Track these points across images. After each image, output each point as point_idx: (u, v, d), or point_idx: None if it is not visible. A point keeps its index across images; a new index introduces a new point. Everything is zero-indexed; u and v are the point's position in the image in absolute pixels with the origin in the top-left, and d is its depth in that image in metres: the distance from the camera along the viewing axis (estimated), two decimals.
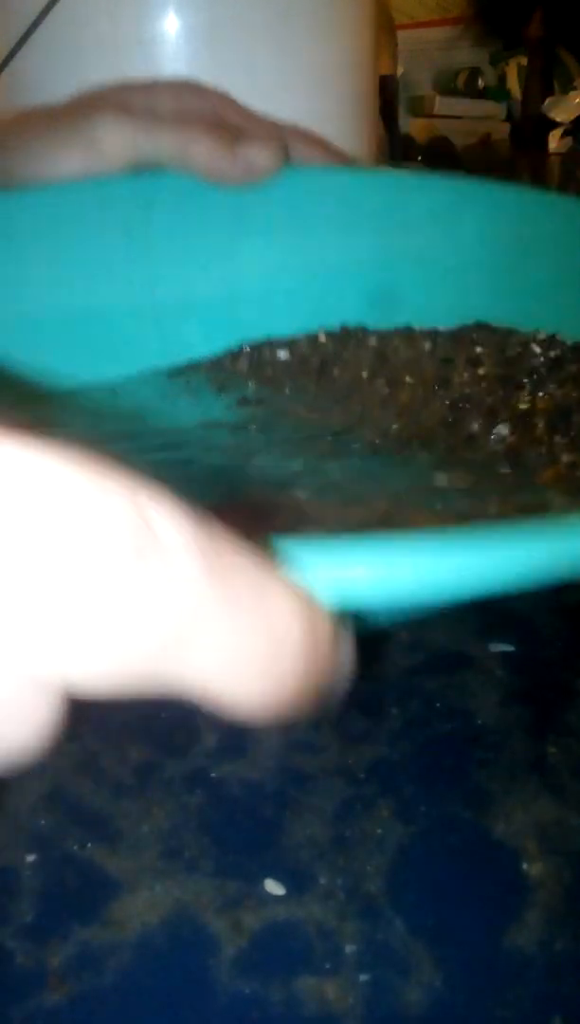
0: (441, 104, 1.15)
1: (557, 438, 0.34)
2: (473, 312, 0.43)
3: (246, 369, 0.43)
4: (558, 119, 1.07)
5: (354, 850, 0.23)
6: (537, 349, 0.40)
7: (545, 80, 1.10)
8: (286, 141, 0.42)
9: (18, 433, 0.11)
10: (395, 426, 0.37)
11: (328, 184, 0.45)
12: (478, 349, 0.41)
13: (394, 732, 0.27)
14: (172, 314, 0.44)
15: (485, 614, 0.31)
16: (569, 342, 0.40)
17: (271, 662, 0.12)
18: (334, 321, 0.45)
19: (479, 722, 0.27)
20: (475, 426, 0.36)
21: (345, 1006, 0.20)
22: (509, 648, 0.30)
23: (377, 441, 0.36)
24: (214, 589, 0.12)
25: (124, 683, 0.12)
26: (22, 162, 0.40)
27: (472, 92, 1.18)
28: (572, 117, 1.07)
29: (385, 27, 0.96)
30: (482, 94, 1.18)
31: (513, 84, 1.18)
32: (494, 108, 1.17)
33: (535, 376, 0.38)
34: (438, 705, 0.28)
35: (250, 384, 0.42)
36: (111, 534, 0.11)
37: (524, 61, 1.14)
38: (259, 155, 0.40)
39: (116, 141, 0.39)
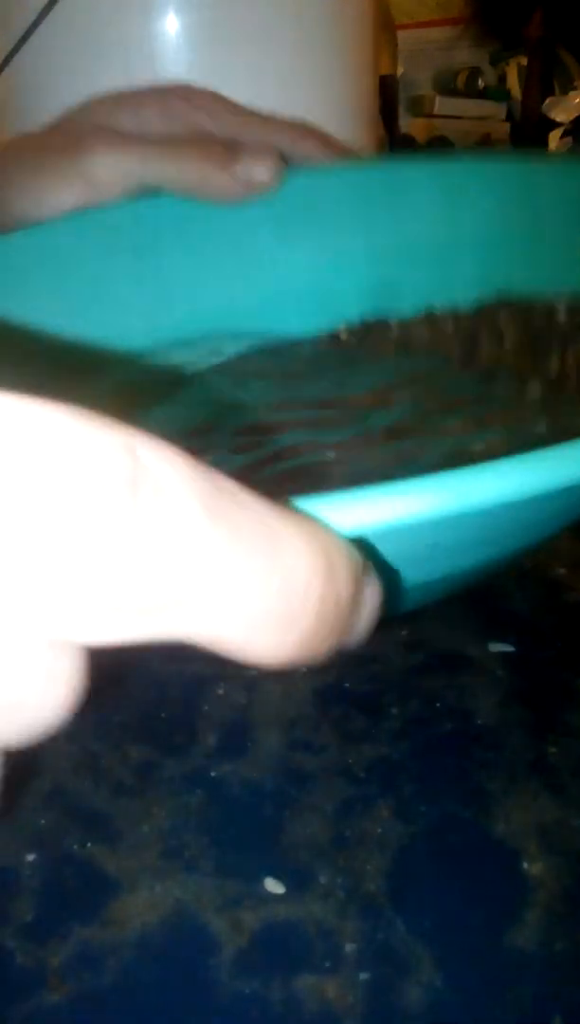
0: (441, 104, 1.15)
1: None
2: (492, 288, 0.42)
3: (266, 366, 0.43)
4: (558, 119, 1.07)
5: (354, 850, 0.23)
6: (562, 316, 0.39)
7: (545, 80, 1.10)
8: (284, 140, 0.42)
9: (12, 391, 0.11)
10: (425, 402, 0.36)
11: (332, 180, 0.45)
12: (501, 324, 0.40)
13: (394, 732, 0.27)
14: (186, 328, 0.44)
15: (485, 614, 0.31)
16: None
17: (285, 604, 0.12)
18: (353, 315, 0.44)
19: (479, 722, 0.27)
20: (506, 391, 0.35)
21: (345, 1005, 0.20)
22: (509, 648, 0.30)
23: (408, 418, 0.35)
24: (218, 528, 0.11)
25: (135, 630, 0.11)
26: (17, 202, 0.40)
27: (472, 92, 1.18)
28: (572, 117, 1.07)
29: (385, 27, 0.96)
30: (482, 94, 1.18)
31: (513, 84, 1.18)
32: (494, 108, 1.17)
33: (562, 338, 0.37)
34: (438, 705, 0.28)
35: (268, 378, 0.42)
36: (104, 475, 0.11)
37: (524, 61, 1.14)
38: (256, 171, 0.40)
39: (110, 174, 0.39)
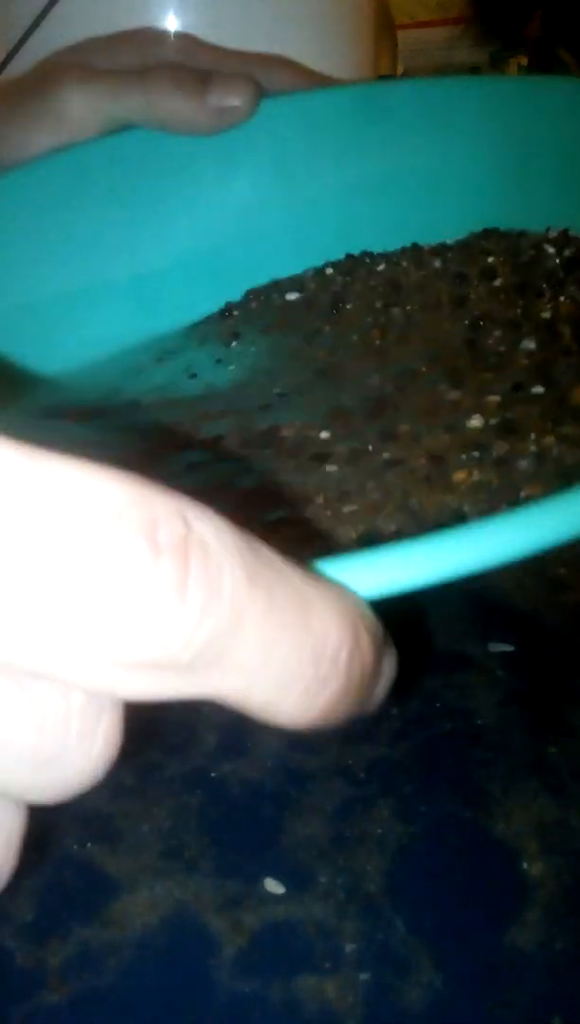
0: None
1: None
2: (479, 219, 0.41)
3: (257, 317, 0.42)
4: None
5: (354, 850, 0.23)
6: (551, 249, 0.38)
7: None
8: (260, 72, 0.40)
9: (73, 452, 0.11)
10: (417, 357, 0.35)
11: (307, 108, 0.43)
12: (490, 259, 0.39)
13: (394, 732, 0.27)
14: (173, 273, 0.43)
15: (485, 614, 0.31)
16: None
17: (314, 670, 0.12)
18: (338, 251, 0.42)
19: (479, 722, 0.27)
20: (499, 344, 0.34)
21: (345, 1005, 0.20)
22: (509, 648, 0.30)
23: (403, 384, 0.34)
24: (257, 593, 0.12)
25: (173, 688, 0.12)
26: None
27: None
28: None
29: (385, 27, 0.96)
30: None
31: None
32: None
33: (553, 280, 0.37)
34: (438, 705, 0.28)
35: (263, 331, 0.41)
36: (157, 540, 0.11)
37: (524, 61, 1.14)
38: (230, 97, 0.39)
39: (82, 110, 0.38)
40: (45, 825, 0.24)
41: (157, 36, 0.41)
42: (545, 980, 0.20)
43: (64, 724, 0.12)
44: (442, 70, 1.18)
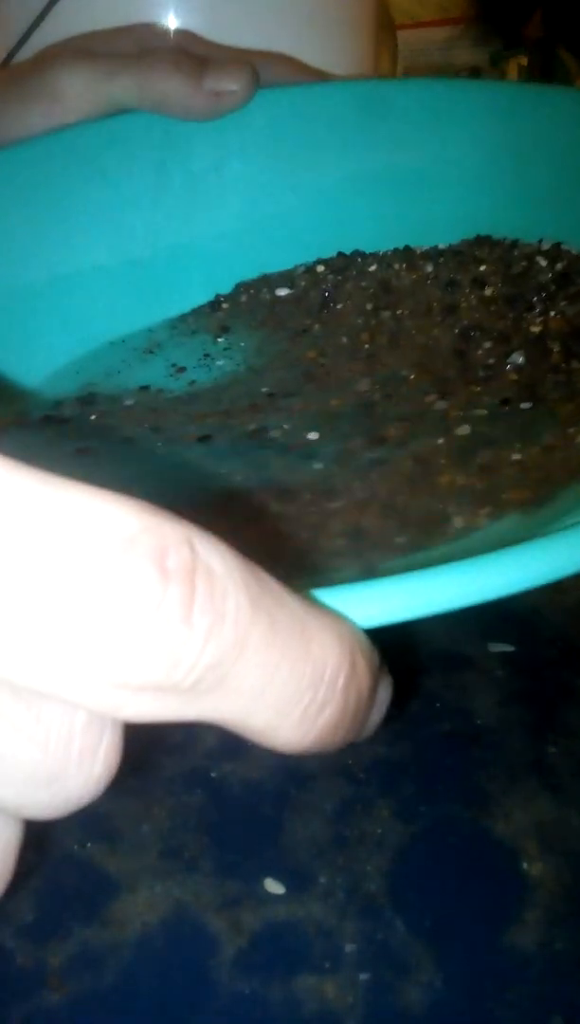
0: None
1: (574, 363, 0.33)
2: (473, 224, 0.40)
3: (247, 312, 0.41)
4: None
5: (354, 850, 0.23)
6: (543, 262, 0.38)
7: (545, 80, 1.10)
8: (258, 65, 0.40)
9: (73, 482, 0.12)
10: (407, 365, 0.35)
11: (306, 102, 0.42)
12: (482, 268, 0.39)
13: (394, 732, 0.27)
14: (163, 262, 0.42)
15: (485, 614, 0.31)
16: (575, 251, 0.38)
17: (311, 694, 0.13)
18: (330, 249, 0.42)
19: (479, 722, 0.27)
20: (488, 356, 0.34)
21: (345, 1005, 0.20)
22: (509, 648, 0.30)
23: (391, 391, 0.34)
24: (259, 619, 0.12)
25: (173, 710, 0.12)
26: None
27: None
28: None
29: (385, 27, 0.96)
30: None
31: None
32: None
33: (544, 294, 0.37)
34: (438, 705, 0.28)
35: (252, 326, 0.40)
36: (163, 562, 0.11)
37: (524, 61, 1.14)
38: (226, 81, 0.38)
39: (77, 88, 0.37)
40: (45, 825, 0.24)
41: (155, 29, 0.41)
42: (545, 980, 0.20)
43: (66, 743, 0.12)
44: (442, 70, 1.18)
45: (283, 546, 0.26)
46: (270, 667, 0.12)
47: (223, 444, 0.32)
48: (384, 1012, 0.20)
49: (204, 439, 0.33)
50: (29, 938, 0.22)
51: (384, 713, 0.15)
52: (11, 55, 0.46)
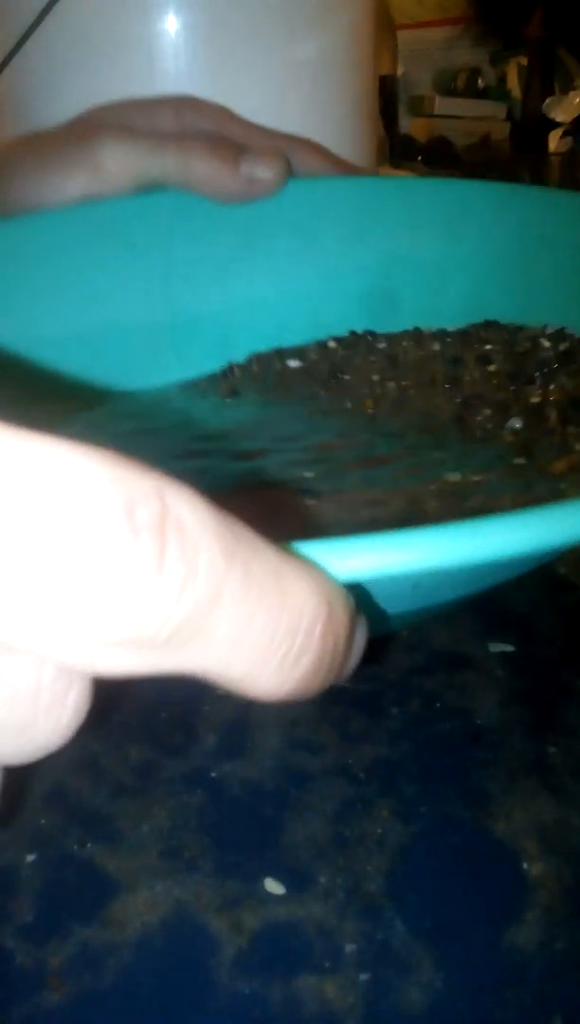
0: (441, 104, 1.15)
1: (570, 428, 0.34)
2: (481, 311, 0.43)
3: (257, 379, 0.43)
4: (558, 119, 1.07)
5: (354, 850, 0.23)
6: (546, 343, 0.40)
7: (545, 80, 1.10)
8: (288, 152, 0.42)
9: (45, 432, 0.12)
10: (407, 427, 0.37)
11: (331, 193, 0.45)
12: (487, 347, 0.41)
13: (394, 732, 0.27)
14: (182, 329, 0.44)
15: (485, 614, 0.31)
16: (578, 335, 0.40)
17: (288, 643, 0.13)
18: (342, 328, 0.45)
19: (479, 722, 0.27)
20: (487, 422, 0.36)
21: (345, 1005, 0.20)
22: (509, 648, 0.30)
23: (390, 442, 0.35)
24: (234, 570, 0.12)
25: (149, 662, 0.12)
26: (24, 189, 0.40)
27: (472, 92, 1.18)
28: (572, 117, 1.07)
29: (385, 27, 0.96)
30: (482, 94, 1.18)
31: (513, 84, 1.18)
32: (494, 108, 1.17)
33: (546, 370, 0.38)
34: (438, 705, 0.28)
35: (261, 392, 0.42)
36: (132, 515, 0.11)
37: (524, 61, 1.14)
38: (262, 170, 0.40)
39: (119, 163, 0.39)
40: (45, 825, 0.24)
41: (193, 103, 0.43)
42: (545, 980, 0.20)
43: (34, 697, 0.12)
44: (442, 70, 1.19)
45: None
46: (246, 617, 0.12)
47: (218, 476, 0.34)
48: (384, 1012, 0.20)
49: (200, 470, 0.34)
50: (29, 938, 0.22)
51: (360, 657, 0.15)
52: (11, 55, 0.46)
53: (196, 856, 0.23)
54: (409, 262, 0.45)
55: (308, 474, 0.33)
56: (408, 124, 1.15)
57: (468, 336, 0.42)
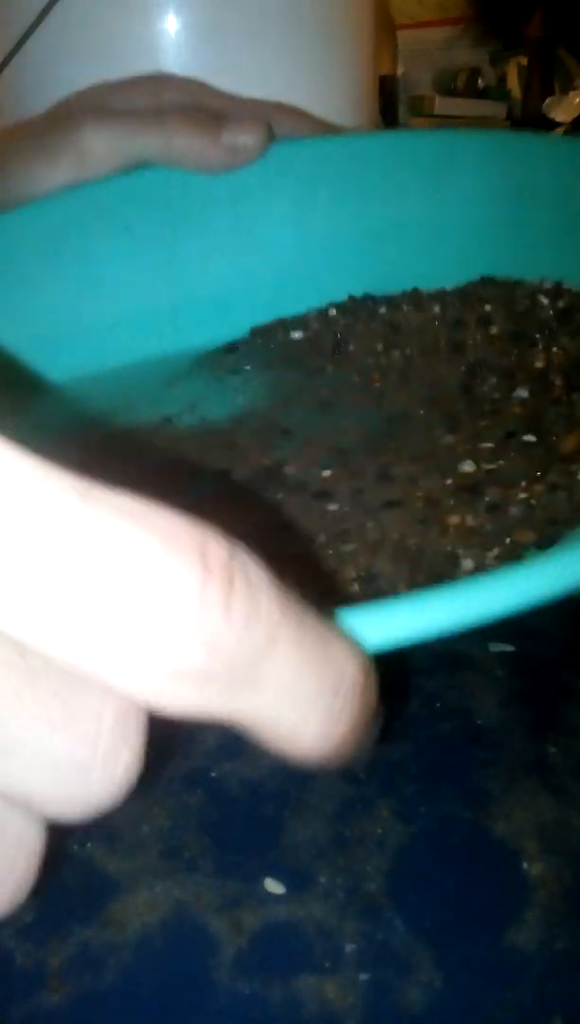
0: (441, 104, 1.15)
1: (575, 395, 0.34)
2: (478, 266, 0.42)
3: (261, 353, 0.43)
4: (558, 119, 1.07)
5: (354, 850, 0.23)
6: (545, 300, 0.40)
7: (545, 80, 1.10)
8: (270, 118, 0.42)
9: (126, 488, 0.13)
10: (416, 402, 0.37)
11: (316, 154, 0.44)
12: (487, 307, 0.41)
13: (394, 732, 0.27)
14: (182, 306, 0.44)
15: None
16: (575, 288, 0.39)
17: (331, 703, 0.14)
18: (341, 293, 0.44)
19: (479, 722, 0.27)
20: (494, 391, 0.36)
21: (345, 1005, 0.20)
22: (509, 648, 0.30)
23: (401, 426, 0.35)
24: (288, 620, 0.13)
25: (207, 701, 0.13)
26: (10, 181, 0.40)
27: (472, 92, 1.18)
28: (572, 117, 1.07)
29: (385, 27, 0.96)
30: (482, 94, 1.18)
31: (513, 84, 1.18)
32: (494, 108, 1.17)
33: (546, 331, 0.38)
34: (438, 705, 0.28)
35: (267, 367, 0.42)
36: (206, 555, 0.12)
37: (524, 61, 1.14)
38: (244, 137, 0.40)
39: (102, 146, 0.39)
40: (45, 825, 0.24)
41: (169, 81, 0.43)
42: (545, 980, 0.20)
43: (94, 741, 0.13)
44: (442, 70, 1.18)
45: (301, 589, 0.27)
46: (296, 668, 0.13)
47: (240, 478, 0.34)
48: (384, 1012, 0.20)
49: (222, 473, 0.34)
50: (29, 938, 0.22)
51: (378, 733, 0.16)
52: (11, 55, 0.46)
53: (196, 856, 0.23)
54: (401, 219, 0.44)
55: (325, 473, 0.33)
56: (408, 124, 1.15)
57: (467, 295, 0.42)
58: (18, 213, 0.41)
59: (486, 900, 0.22)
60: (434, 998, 0.20)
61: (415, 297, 0.43)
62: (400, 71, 1.09)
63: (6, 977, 0.21)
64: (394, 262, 0.44)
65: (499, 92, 1.18)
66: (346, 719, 0.14)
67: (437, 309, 0.42)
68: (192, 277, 0.44)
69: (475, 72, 1.18)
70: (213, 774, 0.26)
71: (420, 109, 1.16)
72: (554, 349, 0.37)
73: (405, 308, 0.43)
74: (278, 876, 0.23)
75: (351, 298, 0.44)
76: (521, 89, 1.14)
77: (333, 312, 0.44)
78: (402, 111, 1.13)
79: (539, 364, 0.37)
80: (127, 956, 0.21)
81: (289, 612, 0.13)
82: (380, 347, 0.41)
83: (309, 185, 0.44)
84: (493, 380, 0.37)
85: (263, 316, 0.44)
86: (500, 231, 0.43)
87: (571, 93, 1.09)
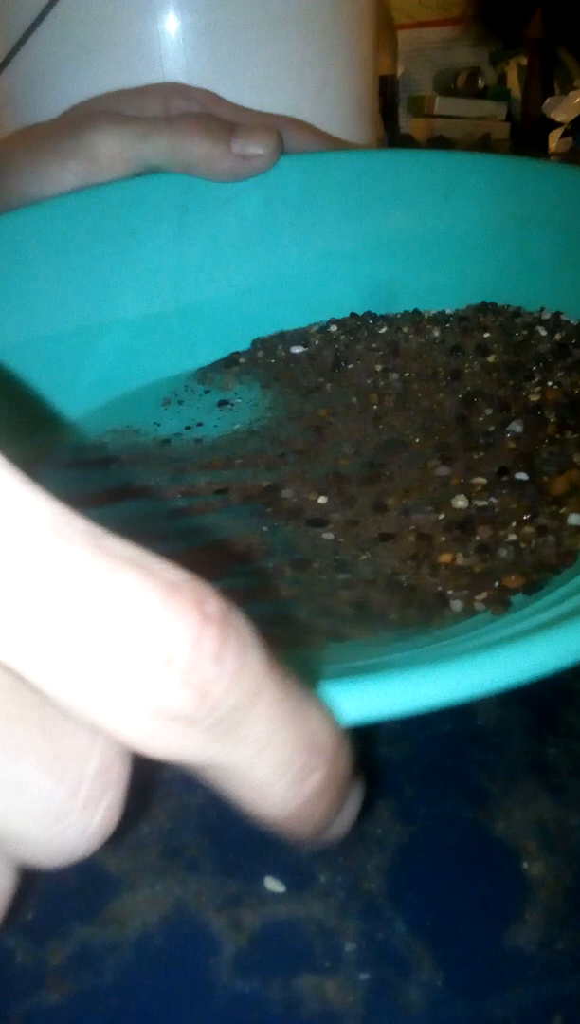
0: (441, 104, 1.15)
1: (568, 434, 0.35)
2: (479, 291, 0.43)
3: (261, 367, 0.43)
4: (558, 119, 1.07)
5: (354, 850, 0.23)
6: (543, 331, 0.40)
7: (545, 80, 1.10)
8: (281, 130, 0.42)
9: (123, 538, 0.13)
10: (411, 428, 0.37)
11: (326, 170, 0.45)
12: (486, 335, 0.41)
13: (394, 732, 0.27)
14: (183, 317, 0.44)
15: None
16: (573, 321, 0.40)
17: (306, 759, 0.14)
18: (343, 309, 0.45)
19: (479, 722, 0.27)
20: (489, 424, 0.36)
21: (345, 1005, 0.20)
22: None
23: (397, 454, 0.36)
24: (272, 685, 0.13)
25: (190, 746, 0.13)
26: (21, 182, 0.40)
27: (472, 92, 1.18)
28: (572, 117, 1.07)
29: (385, 27, 0.96)
30: (482, 94, 1.18)
31: (513, 84, 1.18)
32: (494, 108, 1.17)
33: (542, 364, 0.39)
34: None
35: (266, 382, 0.42)
36: (203, 605, 0.13)
37: (524, 61, 1.14)
38: (255, 146, 0.40)
39: (113, 149, 0.39)
40: None
41: (180, 89, 0.43)
42: (545, 980, 0.20)
43: (76, 786, 0.13)
44: (442, 70, 1.18)
45: (295, 611, 0.28)
46: (276, 723, 0.14)
47: (238, 499, 0.34)
48: (384, 1012, 0.20)
49: (220, 492, 0.35)
50: (29, 937, 0.22)
51: (353, 820, 0.17)
52: (11, 55, 0.46)
53: (196, 855, 0.23)
54: (406, 240, 0.44)
55: (321, 499, 0.33)
56: (408, 124, 1.16)
57: (467, 321, 0.42)
58: (24, 213, 0.41)
59: (486, 900, 0.22)
60: (434, 997, 0.20)
61: (415, 318, 0.44)
62: (400, 71, 1.09)
63: (6, 976, 0.21)
64: (396, 282, 0.44)
65: (499, 92, 1.18)
66: (316, 782, 0.15)
67: (437, 333, 0.42)
68: (194, 286, 0.44)
69: (475, 72, 1.18)
70: None
71: (420, 109, 1.16)
72: (550, 384, 0.38)
73: (405, 329, 0.43)
74: (278, 875, 0.23)
75: (353, 315, 0.44)
76: (521, 89, 1.14)
77: (334, 328, 0.44)
78: (402, 111, 1.13)
79: (534, 398, 0.37)
80: (127, 955, 0.21)
81: (273, 672, 0.14)
82: (379, 368, 0.41)
83: (314, 200, 0.45)
84: (489, 411, 0.37)
85: (265, 328, 0.45)
86: (502, 257, 0.43)
87: (571, 93, 1.09)
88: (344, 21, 0.50)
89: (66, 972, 0.21)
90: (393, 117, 1.04)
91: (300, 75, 0.48)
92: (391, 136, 1.02)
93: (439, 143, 1.09)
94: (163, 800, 0.25)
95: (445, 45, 1.19)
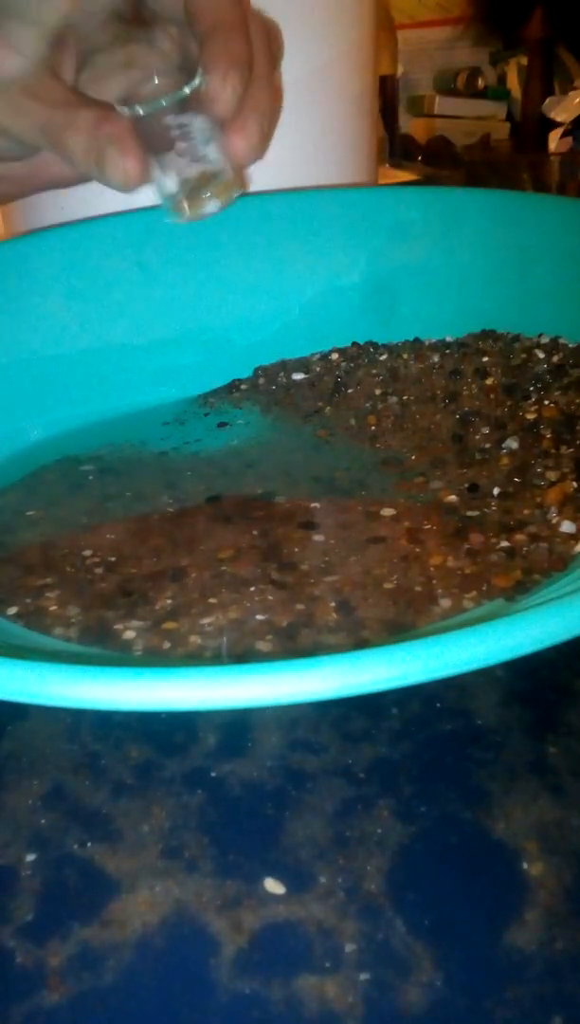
0: (441, 104, 1.15)
1: (563, 448, 0.36)
2: (479, 320, 0.44)
3: (262, 392, 0.44)
4: (558, 119, 1.07)
5: (354, 850, 0.23)
6: (541, 355, 0.41)
7: (545, 80, 1.10)
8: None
9: None
10: (408, 447, 0.38)
11: (331, 205, 0.46)
12: (485, 359, 0.42)
13: (394, 732, 0.27)
14: (188, 343, 0.46)
15: None
16: (571, 344, 0.41)
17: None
18: (345, 339, 0.46)
19: (479, 722, 0.27)
20: (485, 442, 0.37)
21: (345, 1005, 0.20)
22: None
23: (392, 467, 0.37)
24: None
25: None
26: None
27: (472, 92, 1.18)
28: (572, 117, 1.07)
29: (385, 27, 0.96)
30: (482, 94, 1.18)
31: (513, 84, 1.18)
32: (494, 108, 1.17)
33: (540, 384, 0.40)
34: (438, 705, 0.28)
35: (266, 406, 0.43)
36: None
37: (524, 61, 1.14)
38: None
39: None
40: (45, 825, 0.24)
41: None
42: (545, 980, 0.20)
43: (101, 146, 0.20)
44: (442, 70, 1.18)
45: (281, 612, 0.29)
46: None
47: (229, 505, 0.35)
48: (384, 1012, 0.20)
49: (213, 499, 0.35)
50: (29, 938, 0.22)
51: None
52: None
53: (196, 856, 0.23)
54: (407, 272, 0.46)
55: (314, 505, 0.34)
56: (408, 124, 1.16)
57: (467, 347, 0.43)
58: (29, 239, 0.42)
59: (486, 900, 0.22)
60: (434, 998, 0.20)
61: (416, 346, 0.45)
62: (400, 71, 1.09)
63: (6, 977, 0.21)
64: (398, 312, 0.46)
65: (499, 92, 1.19)
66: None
67: (436, 359, 0.43)
68: (200, 315, 0.46)
69: (475, 72, 1.18)
70: (213, 774, 0.26)
71: (420, 109, 1.17)
72: (546, 402, 0.39)
73: (405, 356, 0.44)
74: (278, 876, 0.23)
75: (354, 344, 0.46)
76: (521, 89, 1.14)
77: (335, 356, 0.45)
78: (402, 111, 1.13)
79: (531, 416, 0.38)
80: (127, 956, 0.21)
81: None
82: (378, 392, 0.42)
83: (319, 233, 0.46)
84: (485, 430, 0.38)
85: (268, 356, 0.46)
86: (502, 287, 0.44)
87: (571, 93, 1.09)
88: (344, 21, 0.50)
89: (66, 973, 0.21)
90: (393, 117, 1.04)
91: (300, 76, 0.48)
92: (391, 136, 1.02)
93: (439, 143, 1.09)
94: (163, 800, 0.25)
95: (445, 45, 1.19)
